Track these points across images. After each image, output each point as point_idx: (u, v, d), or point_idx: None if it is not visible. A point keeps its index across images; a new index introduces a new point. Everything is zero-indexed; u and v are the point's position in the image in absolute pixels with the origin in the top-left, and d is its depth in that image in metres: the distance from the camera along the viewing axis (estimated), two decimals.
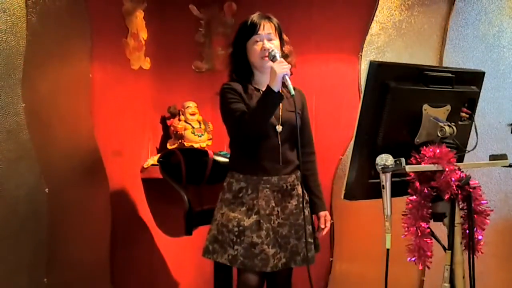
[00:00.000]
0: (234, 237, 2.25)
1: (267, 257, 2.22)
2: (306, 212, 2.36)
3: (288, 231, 2.30)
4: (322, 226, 2.44)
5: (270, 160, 2.29)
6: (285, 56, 2.34)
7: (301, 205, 2.33)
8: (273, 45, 2.27)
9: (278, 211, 2.30)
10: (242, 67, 2.34)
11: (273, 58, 2.20)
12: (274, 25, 2.32)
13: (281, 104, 2.28)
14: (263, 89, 2.20)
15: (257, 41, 2.28)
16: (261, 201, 2.27)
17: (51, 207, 2.35)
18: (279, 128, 2.29)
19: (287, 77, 2.14)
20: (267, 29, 2.28)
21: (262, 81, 2.30)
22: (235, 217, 2.27)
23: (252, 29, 2.28)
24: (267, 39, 2.28)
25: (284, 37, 2.38)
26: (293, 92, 2.13)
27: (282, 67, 2.14)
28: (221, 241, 2.28)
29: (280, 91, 2.16)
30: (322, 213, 2.45)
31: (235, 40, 2.37)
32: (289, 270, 2.43)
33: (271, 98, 2.15)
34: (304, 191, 2.40)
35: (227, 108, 2.28)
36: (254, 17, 2.31)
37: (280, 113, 2.30)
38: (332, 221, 3.28)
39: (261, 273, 2.30)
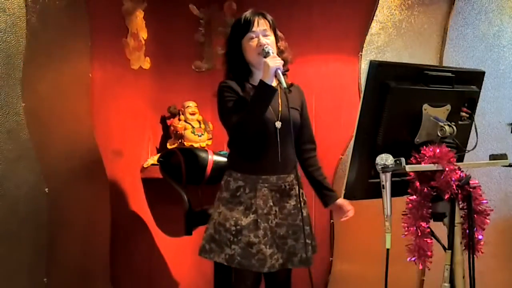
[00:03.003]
0: (231, 236, 2.24)
1: (264, 257, 2.21)
2: (304, 212, 2.35)
3: (286, 232, 2.29)
4: (347, 210, 2.38)
5: (269, 158, 2.28)
6: (280, 52, 2.33)
7: (299, 205, 2.32)
8: (269, 41, 2.26)
9: (276, 210, 2.29)
10: (238, 65, 2.33)
11: (266, 54, 2.20)
12: (269, 21, 2.31)
13: (279, 100, 2.28)
14: None
15: (252, 38, 2.27)
16: (259, 200, 2.26)
17: (51, 207, 2.35)
18: (278, 124, 2.28)
19: (279, 71, 2.14)
20: (261, 25, 2.27)
21: (260, 77, 2.27)
22: (233, 217, 2.25)
23: (246, 26, 2.27)
24: (263, 35, 2.27)
25: (279, 33, 2.37)
26: (285, 85, 2.13)
27: (275, 61, 2.15)
28: (218, 240, 2.27)
29: (275, 86, 2.16)
30: (339, 201, 2.38)
31: (229, 38, 2.36)
32: (288, 271, 2.42)
33: (265, 91, 2.15)
34: (303, 191, 2.39)
35: (224, 106, 2.27)
36: (248, 14, 2.30)
37: (280, 109, 2.29)
38: (332, 221, 3.28)
39: (257, 273, 2.29)
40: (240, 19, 2.32)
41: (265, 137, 2.27)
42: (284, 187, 2.31)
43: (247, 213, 2.25)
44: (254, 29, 2.26)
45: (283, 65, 2.25)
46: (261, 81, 2.16)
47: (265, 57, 2.19)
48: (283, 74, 2.20)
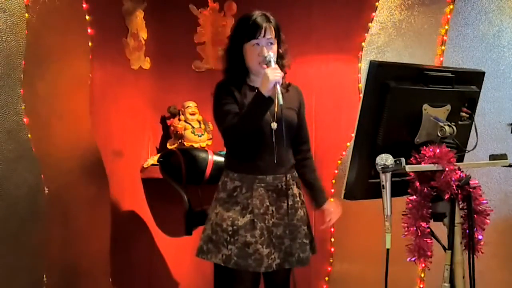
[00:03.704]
0: (228, 236, 2.23)
1: (261, 257, 2.21)
2: (302, 212, 2.35)
3: (283, 231, 2.28)
4: (327, 219, 2.39)
5: (265, 159, 2.27)
6: (280, 56, 2.30)
7: (296, 205, 2.32)
8: (271, 50, 2.23)
9: (272, 210, 2.28)
10: (237, 66, 2.30)
11: (267, 63, 2.18)
12: (274, 27, 2.27)
13: (276, 101, 2.27)
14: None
15: (256, 45, 2.23)
16: (255, 200, 2.25)
17: (51, 207, 2.35)
18: (274, 125, 2.26)
19: (278, 86, 2.10)
20: (268, 34, 2.23)
21: (257, 80, 2.25)
22: (230, 217, 2.25)
23: (253, 32, 2.22)
24: (267, 44, 2.23)
25: (282, 36, 2.34)
26: (281, 101, 2.09)
27: (275, 74, 2.11)
28: (215, 241, 2.26)
29: (271, 96, 2.13)
30: (324, 206, 2.39)
31: (233, 36, 2.32)
32: (287, 271, 2.40)
33: (261, 103, 2.14)
34: (300, 191, 2.39)
35: (219, 109, 2.26)
36: (257, 18, 2.24)
37: (276, 110, 2.27)
38: None
39: (255, 273, 2.29)
40: (247, 19, 2.25)
41: (261, 138, 2.26)
42: (280, 187, 2.30)
43: (243, 213, 2.25)
44: (260, 37, 2.22)
45: (281, 69, 2.23)
46: (259, 92, 2.13)
47: (266, 65, 2.17)
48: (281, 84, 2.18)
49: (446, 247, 1.72)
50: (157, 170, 3.17)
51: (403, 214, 1.74)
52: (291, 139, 2.35)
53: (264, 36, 2.22)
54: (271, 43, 2.25)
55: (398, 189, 1.72)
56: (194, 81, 3.55)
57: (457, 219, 1.73)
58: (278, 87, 2.10)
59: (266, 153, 2.27)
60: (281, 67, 2.26)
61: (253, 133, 2.23)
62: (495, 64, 3.05)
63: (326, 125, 3.30)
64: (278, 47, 2.31)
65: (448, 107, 1.82)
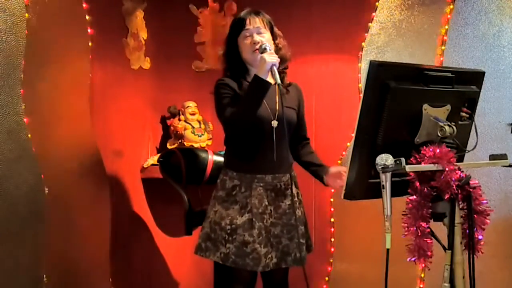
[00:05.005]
0: (226, 235, 2.24)
1: (258, 256, 2.22)
2: (299, 212, 2.35)
3: (280, 231, 2.30)
4: (339, 175, 2.27)
5: (264, 158, 2.28)
6: (278, 49, 2.33)
7: (294, 205, 2.32)
8: (264, 38, 2.27)
9: (271, 210, 2.29)
10: (235, 64, 2.35)
11: (263, 51, 2.20)
12: (263, 19, 2.33)
13: (277, 99, 2.28)
14: None
15: (247, 36, 2.29)
16: (254, 199, 2.26)
17: (51, 207, 2.35)
18: (274, 123, 2.28)
19: (274, 68, 2.15)
20: (254, 23, 2.29)
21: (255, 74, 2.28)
22: (228, 215, 2.26)
23: (240, 25, 2.30)
24: (257, 32, 2.28)
25: (276, 31, 2.39)
26: (279, 81, 2.14)
27: (271, 57, 2.16)
28: (214, 239, 2.27)
29: (270, 81, 2.17)
30: (332, 169, 2.32)
31: (227, 38, 2.38)
32: (285, 270, 2.42)
33: (259, 85, 2.16)
34: (298, 191, 2.40)
35: (220, 103, 2.28)
36: (242, 13, 2.33)
37: (277, 108, 2.29)
38: (332, 220, 3.28)
39: (253, 272, 2.29)
40: (235, 18, 2.35)
41: (261, 136, 2.27)
42: (279, 186, 2.32)
43: (242, 212, 2.26)
44: (247, 27, 2.29)
45: (281, 63, 2.26)
46: (256, 76, 2.17)
47: (262, 53, 2.20)
48: (281, 72, 2.20)
49: (446, 247, 1.72)
50: (157, 170, 3.17)
51: (403, 214, 1.73)
52: (290, 138, 2.35)
53: (250, 24, 2.29)
54: (261, 32, 2.29)
55: (398, 189, 1.71)
56: (194, 81, 3.55)
57: (457, 219, 1.73)
58: (275, 69, 2.14)
59: (265, 152, 2.28)
60: (280, 60, 2.27)
61: (255, 126, 2.24)
62: (495, 64, 3.04)
63: (326, 125, 3.30)
64: (274, 39, 2.35)
65: (448, 107, 1.82)
